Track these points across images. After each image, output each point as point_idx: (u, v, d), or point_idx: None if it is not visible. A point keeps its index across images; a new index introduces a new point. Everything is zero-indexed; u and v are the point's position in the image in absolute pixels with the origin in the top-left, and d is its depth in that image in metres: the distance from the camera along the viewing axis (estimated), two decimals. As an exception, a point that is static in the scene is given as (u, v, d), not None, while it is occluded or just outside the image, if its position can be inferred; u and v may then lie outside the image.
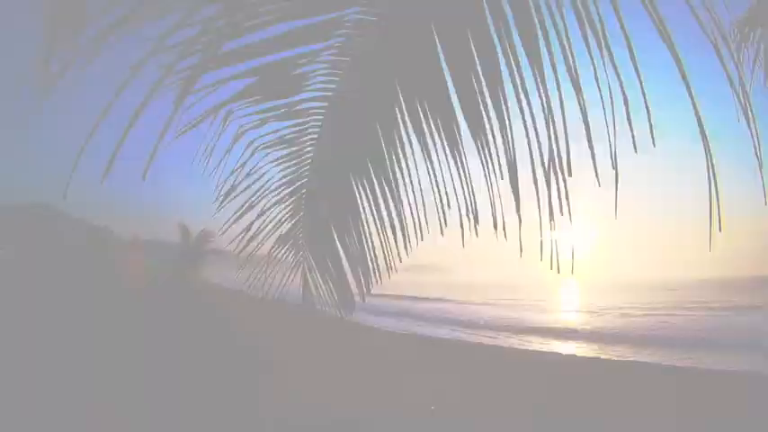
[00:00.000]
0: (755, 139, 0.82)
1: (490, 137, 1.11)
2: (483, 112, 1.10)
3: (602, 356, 11.64)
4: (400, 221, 1.53)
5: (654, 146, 0.84)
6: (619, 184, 0.89)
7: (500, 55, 1.02)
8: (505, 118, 1.06)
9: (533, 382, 7.65)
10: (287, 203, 1.88)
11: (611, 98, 0.87)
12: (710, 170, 0.79)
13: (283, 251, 2.00)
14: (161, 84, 0.88)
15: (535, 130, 0.99)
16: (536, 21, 0.95)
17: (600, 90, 0.88)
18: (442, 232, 1.37)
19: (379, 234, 1.64)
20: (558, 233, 0.99)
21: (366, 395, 6.21)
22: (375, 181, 1.54)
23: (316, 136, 1.67)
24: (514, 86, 1.00)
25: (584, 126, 0.91)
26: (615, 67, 0.85)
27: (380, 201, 1.56)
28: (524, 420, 5.47)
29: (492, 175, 1.14)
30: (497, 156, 1.11)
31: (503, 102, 1.06)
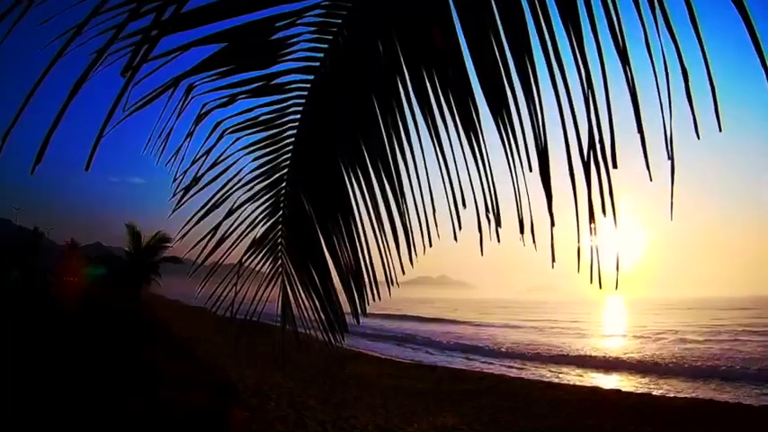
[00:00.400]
0: None
1: (515, 118, 1.10)
2: (506, 86, 1.09)
3: (654, 391, 11.63)
4: (404, 223, 1.51)
5: (720, 131, 0.83)
6: (676, 179, 0.88)
7: (528, 13, 1.00)
8: (535, 94, 1.05)
9: (568, 423, 7.64)
10: (263, 200, 1.87)
11: (666, 70, 0.86)
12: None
13: (258, 259, 1.99)
14: (107, 51, 0.87)
15: (571, 109, 0.98)
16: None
17: (652, 60, 0.87)
18: (455, 237, 1.36)
19: (377, 239, 1.63)
20: (599, 239, 0.98)
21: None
22: (372, 173, 1.51)
23: (298, 117, 1.66)
24: (546, 54, 0.99)
25: (632, 105, 0.90)
26: (671, 31, 0.84)
27: (379, 197, 1.54)
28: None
29: (518, 166, 1.13)
30: (524, 142, 1.10)
31: (531, 74, 1.04)
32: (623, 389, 11.95)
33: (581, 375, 14.49)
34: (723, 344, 22.12)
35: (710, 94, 0.81)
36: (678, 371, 14.97)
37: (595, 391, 11.49)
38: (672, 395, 11.06)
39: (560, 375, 14.32)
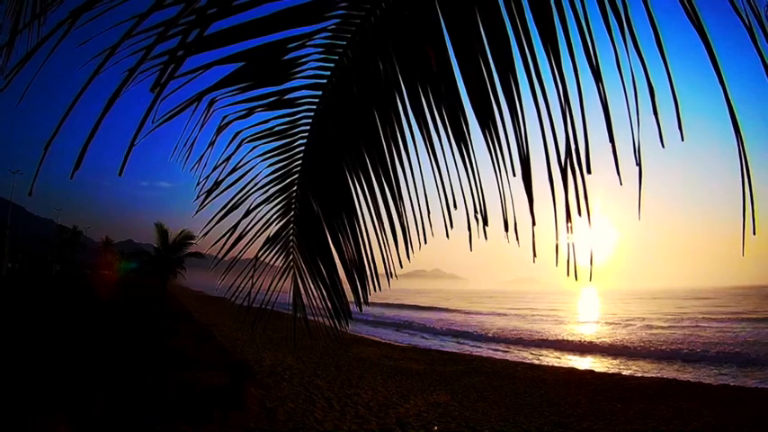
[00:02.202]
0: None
1: (501, 129, 1.09)
2: (493, 102, 1.09)
3: (624, 372, 11.62)
4: (401, 222, 1.51)
5: (682, 140, 0.83)
6: (643, 183, 0.88)
7: (512, 37, 1.00)
8: (518, 108, 1.05)
9: (547, 400, 7.64)
10: (276, 201, 1.87)
11: (635, 87, 0.86)
12: (744, 167, 0.78)
13: (272, 254, 1.99)
14: (137, 70, 0.87)
15: (550, 121, 0.97)
16: (551, -1, 0.94)
17: (622, 78, 0.87)
18: (447, 234, 1.36)
19: (378, 236, 1.63)
20: (575, 236, 0.98)
21: (366, 414, 6.19)
22: (374, 177, 1.51)
23: (307, 128, 1.66)
24: (528, 73, 0.98)
25: (604, 118, 0.90)
26: (639, 53, 0.84)
27: (380, 199, 1.54)
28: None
29: (503, 172, 1.13)
30: (509, 150, 1.10)
31: (515, 90, 1.04)
32: (596, 369, 11.96)
33: (559, 357, 14.49)
34: (685, 330, 22.13)
35: (674, 108, 0.81)
36: (645, 353, 14.98)
37: (572, 371, 11.50)
38: (639, 375, 11.06)
39: (541, 357, 14.32)
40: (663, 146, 0.83)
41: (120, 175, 0.85)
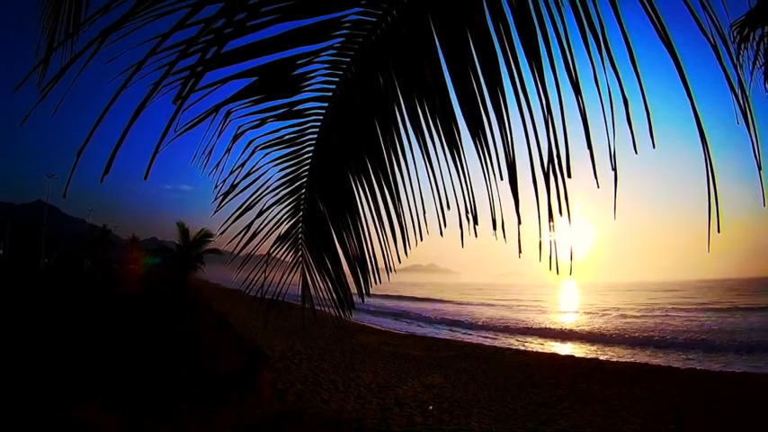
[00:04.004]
0: (755, 142, 0.81)
1: (489, 137, 1.09)
2: (482, 113, 1.09)
3: (601, 357, 11.62)
4: (400, 222, 1.51)
5: (653, 147, 0.83)
6: (618, 186, 0.88)
7: (499, 55, 1.00)
8: (505, 118, 1.04)
9: (531, 382, 7.64)
10: (286, 203, 1.87)
11: (611, 99, 0.86)
12: (709, 172, 0.78)
13: (282, 250, 1.99)
14: (161, 84, 0.87)
15: (534, 130, 0.97)
16: (535, 20, 0.94)
17: (599, 91, 0.87)
18: (441, 233, 1.36)
19: (378, 234, 1.63)
20: (556, 234, 0.98)
21: (367, 395, 6.19)
22: (374, 181, 1.51)
23: (315, 136, 1.66)
24: (514, 87, 0.98)
25: (583, 127, 0.90)
26: (615, 68, 0.84)
27: (380, 201, 1.54)
28: (524, 419, 5.46)
29: (491, 176, 1.13)
30: (497, 156, 1.10)
31: (502, 102, 1.04)
32: (576, 354, 11.95)
33: (542, 344, 14.49)
34: (656, 319, 22.12)
35: (646, 118, 0.81)
36: (620, 340, 14.98)
37: (554, 356, 11.49)
38: (615, 360, 11.06)
39: (526, 344, 14.31)
40: (636, 152, 0.83)
41: (145, 178, 0.85)
